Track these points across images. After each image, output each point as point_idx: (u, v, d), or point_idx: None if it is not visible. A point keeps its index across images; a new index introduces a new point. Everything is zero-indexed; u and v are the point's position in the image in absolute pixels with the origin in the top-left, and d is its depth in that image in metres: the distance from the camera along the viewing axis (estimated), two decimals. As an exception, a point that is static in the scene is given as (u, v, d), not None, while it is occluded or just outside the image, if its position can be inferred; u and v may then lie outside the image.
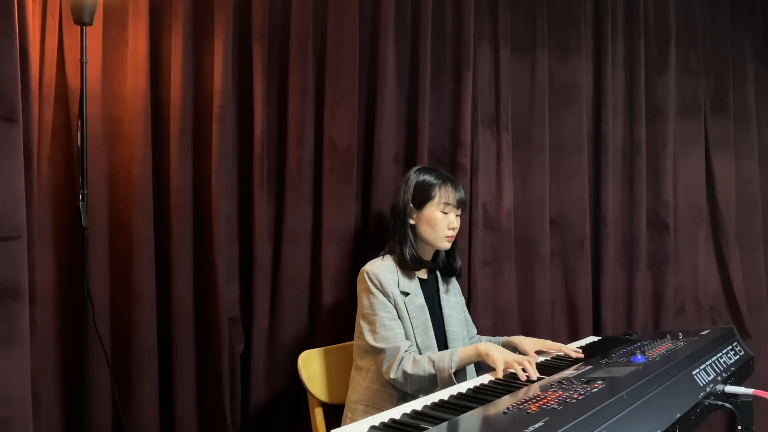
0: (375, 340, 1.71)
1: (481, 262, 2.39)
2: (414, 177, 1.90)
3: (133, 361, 1.90)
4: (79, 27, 1.82)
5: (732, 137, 3.02)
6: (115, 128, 1.94)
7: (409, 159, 2.31)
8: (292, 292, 2.13)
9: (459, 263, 1.99)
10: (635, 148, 2.76)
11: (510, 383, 1.49)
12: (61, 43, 1.86)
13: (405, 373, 1.65)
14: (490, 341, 2.01)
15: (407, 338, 1.75)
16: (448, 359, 1.62)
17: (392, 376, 1.67)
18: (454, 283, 2.02)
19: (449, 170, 2.35)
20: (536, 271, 2.53)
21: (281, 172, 2.14)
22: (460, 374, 1.64)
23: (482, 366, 1.71)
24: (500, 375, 1.54)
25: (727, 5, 3.08)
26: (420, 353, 1.74)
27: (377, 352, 1.71)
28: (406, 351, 1.69)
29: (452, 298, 1.96)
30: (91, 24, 1.80)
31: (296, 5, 2.14)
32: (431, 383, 1.63)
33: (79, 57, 1.83)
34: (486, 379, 1.54)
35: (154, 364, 1.92)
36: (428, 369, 1.63)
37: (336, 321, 2.14)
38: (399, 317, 1.75)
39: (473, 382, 1.52)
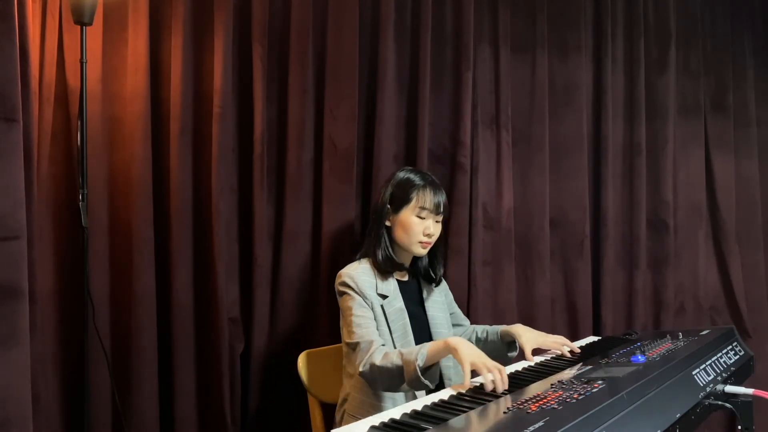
0: (351, 337, 1.66)
1: (481, 262, 2.39)
2: (397, 176, 1.86)
3: (133, 361, 1.90)
4: (79, 27, 1.82)
5: (732, 137, 3.02)
6: (115, 128, 1.95)
7: (409, 159, 2.31)
8: (292, 292, 2.14)
9: (441, 271, 1.92)
10: (635, 148, 2.76)
11: (511, 384, 1.48)
12: (61, 43, 1.86)
13: (373, 366, 1.56)
14: (488, 332, 1.97)
15: (385, 342, 1.69)
16: (416, 353, 1.50)
17: (361, 369, 1.58)
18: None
19: (449, 170, 2.36)
20: (536, 271, 2.53)
21: (281, 172, 2.14)
22: (431, 371, 1.52)
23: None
24: (466, 380, 1.40)
25: (727, 5, 3.08)
26: None
27: (352, 347, 1.66)
28: (381, 345, 1.62)
29: (437, 297, 1.92)
30: (91, 24, 1.80)
31: (296, 5, 2.14)
32: (399, 378, 1.52)
33: (79, 57, 1.83)
34: (486, 379, 1.53)
35: (154, 364, 1.92)
36: (396, 361, 1.52)
37: (336, 321, 2.12)
38: (376, 320, 1.71)
39: (473, 382, 1.51)
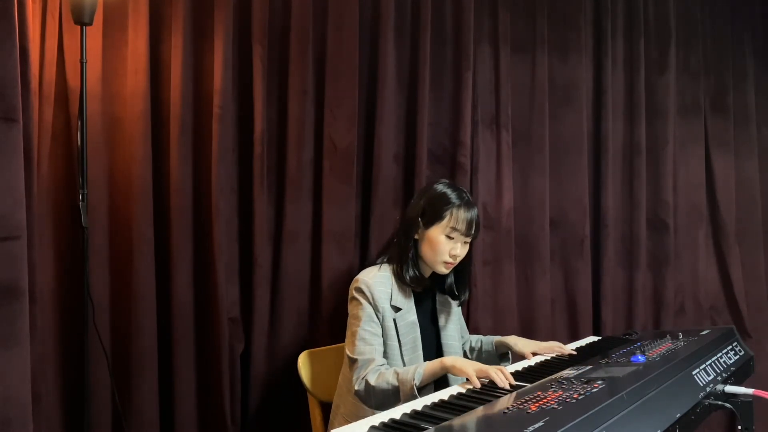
0: (352, 351, 1.67)
1: (481, 262, 2.40)
2: (433, 189, 1.79)
3: (133, 361, 1.90)
4: (79, 27, 1.81)
5: (732, 137, 3.02)
6: (115, 128, 1.94)
7: (409, 159, 2.31)
8: (292, 292, 2.13)
9: (466, 293, 1.88)
10: (635, 148, 2.76)
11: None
12: (61, 43, 1.86)
13: (368, 385, 1.58)
14: (482, 341, 1.99)
15: (393, 356, 1.70)
16: (412, 372, 1.53)
17: (356, 387, 1.61)
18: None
19: (449, 170, 2.36)
20: (536, 271, 2.53)
21: (281, 172, 2.14)
22: (425, 389, 1.56)
23: None
24: (477, 384, 1.44)
25: (727, 5, 3.08)
26: None
27: (351, 362, 1.66)
28: (379, 365, 1.63)
29: (452, 309, 1.90)
30: (91, 24, 1.80)
31: (296, 5, 2.14)
32: (394, 396, 1.55)
33: (79, 57, 1.83)
34: (495, 377, 1.53)
35: (154, 364, 1.92)
36: (392, 381, 1.55)
37: (336, 321, 2.13)
38: (386, 334, 1.70)
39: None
